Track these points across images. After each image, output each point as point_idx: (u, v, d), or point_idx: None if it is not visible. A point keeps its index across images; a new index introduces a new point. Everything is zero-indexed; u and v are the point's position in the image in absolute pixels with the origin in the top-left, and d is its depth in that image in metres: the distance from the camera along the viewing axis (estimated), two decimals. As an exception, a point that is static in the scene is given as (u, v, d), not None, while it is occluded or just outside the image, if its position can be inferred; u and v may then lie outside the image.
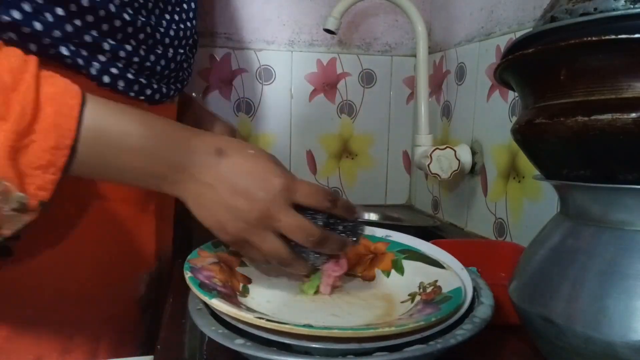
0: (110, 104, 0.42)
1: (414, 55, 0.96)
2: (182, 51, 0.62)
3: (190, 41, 0.65)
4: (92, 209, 0.54)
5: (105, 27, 0.51)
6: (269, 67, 1.02)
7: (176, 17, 0.62)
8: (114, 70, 0.53)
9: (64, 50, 0.48)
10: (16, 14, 0.43)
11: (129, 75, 0.54)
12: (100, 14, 0.49)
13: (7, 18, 0.42)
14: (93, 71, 0.51)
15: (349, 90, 1.07)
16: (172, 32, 0.60)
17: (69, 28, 0.47)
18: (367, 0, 1.01)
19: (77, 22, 0.48)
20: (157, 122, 0.44)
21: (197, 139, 0.44)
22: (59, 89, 0.39)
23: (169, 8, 0.61)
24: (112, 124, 0.41)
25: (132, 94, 0.56)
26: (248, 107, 1.02)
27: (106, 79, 0.52)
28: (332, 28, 0.89)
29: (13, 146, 0.37)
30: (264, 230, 0.43)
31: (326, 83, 1.06)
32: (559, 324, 0.35)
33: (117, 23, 0.51)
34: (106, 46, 0.51)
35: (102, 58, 0.52)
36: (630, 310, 0.32)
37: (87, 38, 0.50)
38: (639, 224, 0.34)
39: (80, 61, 0.49)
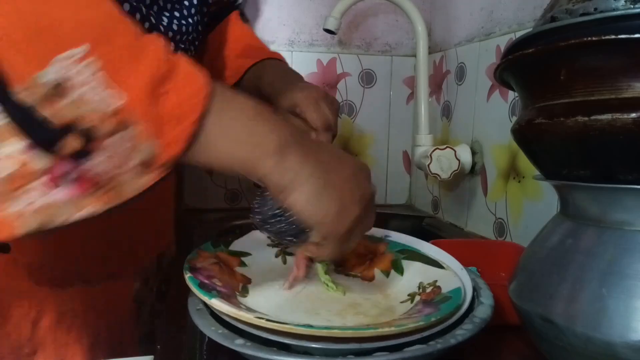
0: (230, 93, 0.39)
1: (414, 55, 0.96)
2: (182, 46, 0.62)
3: (191, 37, 0.65)
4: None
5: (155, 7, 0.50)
6: (269, 67, 1.02)
7: (176, 14, 0.62)
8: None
9: None
10: None
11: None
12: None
13: None
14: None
15: (349, 90, 1.07)
16: (175, 27, 0.59)
17: None
18: (367, 0, 1.01)
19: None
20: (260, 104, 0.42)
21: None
22: (188, 62, 0.37)
23: (169, 6, 0.61)
24: (233, 94, 0.39)
25: None
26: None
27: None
28: (332, 28, 0.89)
29: (154, 90, 0.34)
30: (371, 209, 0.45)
31: (326, 83, 1.06)
32: (559, 324, 0.35)
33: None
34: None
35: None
36: (630, 310, 0.32)
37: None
38: (639, 224, 0.34)
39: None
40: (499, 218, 0.78)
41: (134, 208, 0.50)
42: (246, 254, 0.53)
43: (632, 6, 0.32)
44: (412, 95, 1.10)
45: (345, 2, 0.88)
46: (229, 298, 0.42)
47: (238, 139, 0.38)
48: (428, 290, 0.46)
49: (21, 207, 0.33)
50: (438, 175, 0.83)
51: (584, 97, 0.34)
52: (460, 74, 0.91)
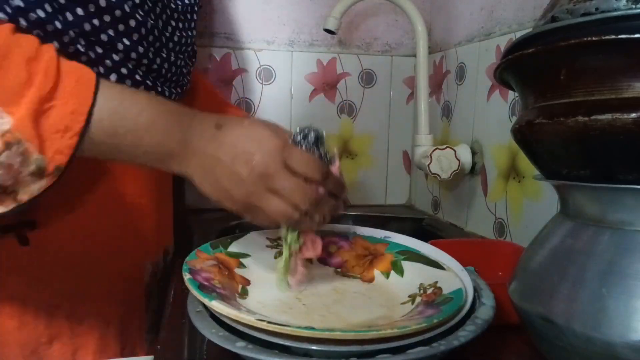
0: (122, 85, 0.46)
1: (414, 55, 0.96)
2: (182, 57, 0.65)
3: (190, 49, 0.68)
4: (101, 199, 0.57)
5: (121, 27, 0.52)
6: (269, 67, 1.02)
7: (180, 25, 0.64)
8: (123, 70, 0.54)
9: (81, 47, 0.50)
10: (41, 13, 0.45)
11: (137, 77, 0.56)
12: (116, 14, 0.51)
13: (33, 16, 0.45)
14: (102, 70, 0.52)
15: (349, 90, 1.07)
16: (175, 38, 0.63)
17: (87, 27, 0.49)
18: (367, 0, 1.01)
19: (95, 22, 0.50)
20: (164, 102, 0.47)
21: (199, 116, 0.47)
22: (77, 66, 0.43)
23: (175, 16, 0.63)
24: (125, 99, 0.44)
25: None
26: (248, 107, 1.02)
27: (113, 77, 0.53)
28: (332, 28, 0.89)
29: (36, 109, 0.40)
30: (265, 192, 0.45)
31: (326, 83, 1.06)
32: (559, 324, 0.35)
33: (132, 23, 0.53)
34: (120, 46, 0.53)
35: (115, 57, 0.53)
36: (630, 310, 0.32)
37: (103, 37, 0.51)
38: (639, 224, 0.34)
39: (93, 57, 0.51)
40: (499, 218, 0.78)
41: (137, 199, 0.58)
42: (245, 255, 0.53)
43: (633, 6, 0.32)
44: (412, 95, 1.10)
45: (345, 2, 0.88)
46: (228, 300, 0.42)
47: (132, 146, 0.44)
48: (429, 291, 0.46)
49: None
50: (438, 175, 0.83)
51: (584, 97, 0.34)
52: (460, 74, 0.91)
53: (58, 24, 0.46)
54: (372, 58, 1.07)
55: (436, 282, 0.47)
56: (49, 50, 0.42)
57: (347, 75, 1.07)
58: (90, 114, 0.41)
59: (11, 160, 0.39)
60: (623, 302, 0.32)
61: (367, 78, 1.08)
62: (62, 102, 0.41)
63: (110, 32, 0.52)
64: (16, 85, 0.40)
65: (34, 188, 0.41)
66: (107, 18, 0.51)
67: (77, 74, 0.43)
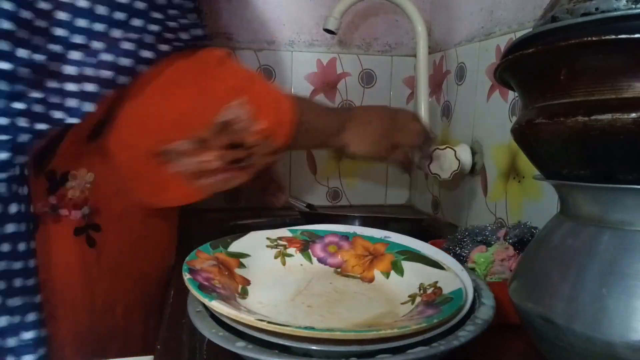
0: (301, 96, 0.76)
1: (414, 55, 0.96)
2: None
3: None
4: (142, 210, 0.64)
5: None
6: (269, 67, 1.02)
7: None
8: None
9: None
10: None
11: None
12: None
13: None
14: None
15: (349, 90, 1.07)
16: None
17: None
18: (367, 0, 1.01)
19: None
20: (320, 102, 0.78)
21: (338, 108, 0.87)
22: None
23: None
24: (308, 101, 0.77)
25: None
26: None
27: None
28: (332, 28, 0.89)
29: (275, 110, 0.58)
30: (399, 134, 0.71)
31: (326, 83, 1.06)
32: (559, 324, 0.35)
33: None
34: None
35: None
36: (630, 310, 0.32)
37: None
38: (639, 224, 0.34)
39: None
40: (499, 218, 0.78)
41: (161, 216, 0.67)
42: (245, 255, 0.53)
43: (633, 6, 0.32)
44: (412, 95, 1.10)
45: (345, 2, 0.88)
46: (228, 300, 0.42)
47: (316, 129, 0.66)
48: (429, 291, 0.46)
49: (202, 184, 0.56)
50: (438, 175, 0.83)
51: (584, 97, 0.34)
52: (460, 74, 0.91)
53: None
54: (372, 58, 1.07)
55: (436, 282, 0.47)
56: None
57: (347, 75, 1.07)
58: (294, 112, 0.59)
59: (261, 149, 0.57)
60: (623, 302, 0.32)
61: (367, 78, 1.08)
62: (283, 99, 0.59)
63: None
64: (260, 101, 0.57)
65: (265, 162, 0.58)
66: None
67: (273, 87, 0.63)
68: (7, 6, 0.45)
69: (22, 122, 0.48)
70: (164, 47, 0.54)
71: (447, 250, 0.57)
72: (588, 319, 0.34)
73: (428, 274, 0.49)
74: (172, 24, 0.55)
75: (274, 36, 1.02)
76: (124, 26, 0.51)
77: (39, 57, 0.48)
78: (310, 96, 1.05)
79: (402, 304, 0.47)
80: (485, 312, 0.41)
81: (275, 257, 0.55)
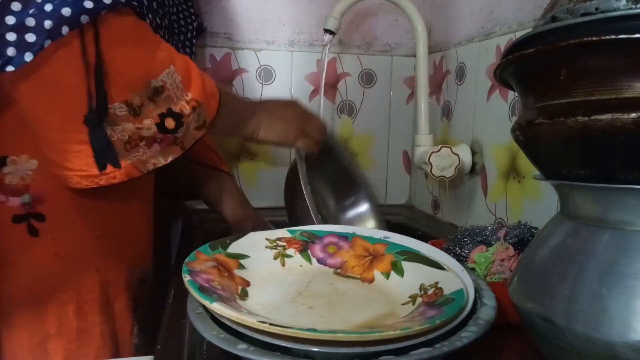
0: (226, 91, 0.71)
1: (414, 55, 0.96)
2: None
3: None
4: (102, 207, 0.62)
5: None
6: (269, 67, 1.02)
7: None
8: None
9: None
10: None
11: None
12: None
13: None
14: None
15: (349, 90, 1.07)
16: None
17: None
18: (367, 0, 1.01)
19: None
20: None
21: (254, 100, 0.88)
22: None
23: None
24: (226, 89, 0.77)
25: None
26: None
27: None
28: (332, 28, 0.89)
29: (203, 82, 0.58)
30: (307, 123, 0.74)
31: (326, 83, 1.06)
32: (559, 324, 0.35)
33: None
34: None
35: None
36: (630, 310, 0.32)
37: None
38: (639, 224, 0.34)
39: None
40: (499, 218, 0.78)
41: (132, 219, 0.67)
42: (244, 257, 0.53)
43: (633, 6, 0.31)
44: (412, 95, 1.10)
45: (345, 2, 0.88)
46: (229, 301, 0.42)
47: (233, 111, 0.66)
48: (430, 292, 0.46)
49: (135, 158, 0.54)
50: (444, 176, 0.83)
51: (584, 97, 0.34)
52: (460, 74, 0.91)
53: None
54: (372, 58, 1.07)
55: (437, 283, 0.47)
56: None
57: (347, 75, 1.07)
58: (218, 88, 0.61)
59: (192, 120, 0.57)
60: (623, 302, 0.32)
61: (367, 78, 1.08)
62: (207, 77, 0.60)
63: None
64: (185, 71, 0.56)
65: (195, 137, 0.58)
66: None
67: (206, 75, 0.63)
68: None
69: None
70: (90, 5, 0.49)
71: (447, 250, 0.57)
72: (588, 319, 0.34)
73: (428, 275, 0.49)
74: None
75: (274, 36, 1.02)
76: None
77: None
78: (310, 96, 1.06)
79: (403, 304, 0.47)
80: (487, 312, 0.41)
81: (275, 258, 0.54)
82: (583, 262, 0.35)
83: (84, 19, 0.48)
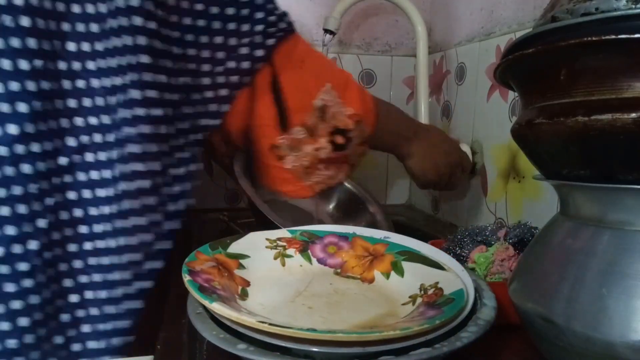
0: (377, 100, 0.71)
1: (414, 55, 0.96)
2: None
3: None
4: None
5: None
6: (269, 67, 1.02)
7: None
8: None
9: None
10: None
11: None
12: None
13: None
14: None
15: (349, 90, 1.07)
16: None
17: None
18: (367, 0, 1.00)
19: None
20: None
21: (416, 120, 0.80)
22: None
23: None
24: (388, 104, 0.71)
25: None
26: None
27: None
28: (332, 28, 0.89)
29: (360, 96, 0.62)
30: (456, 171, 0.75)
31: (326, 83, 1.05)
32: (559, 324, 0.35)
33: None
34: None
35: None
36: (630, 310, 0.32)
37: None
38: (639, 224, 0.34)
39: None
40: (499, 218, 0.78)
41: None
42: (245, 257, 0.53)
43: (633, 6, 0.31)
44: (412, 95, 1.10)
45: (345, 2, 0.88)
46: (229, 301, 0.42)
47: (390, 128, 0.68)
48: (430, 292, 0.46)
49: (313, 181, 0.62)
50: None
51: (584, 97, 0.34)
52: (460, 74, 0.91)
53: None
54: (372, 58, 1.07)
55: (437, 283, 0.47)
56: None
57: (347, 75, 1.07)
58: (374, 101, 0.64)
59: (356, 135, 0.60)
60: (623, 302, 0.32)
61: (367, 78, 1.08)
62: (363, 89, 0.64)
63: None
64: (341, 87, 0.61)
65: (358, 154, 0.62)
66: None
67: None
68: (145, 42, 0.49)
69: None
70: (270, 42, 0.59)
71: (447, 250, 0.57)
72: (588, 319, 0.34)
73: (428, 275, 0.49)
74: (271, 18, 0.60)
75: (274, 36, 1.02)
76: (236, 33, 0.58)
77: (184, 80, 0.54)
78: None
79: (403, 304, 0.47)
80: (487, 312, 0.41)
81: (275, 258, 0.54)
82: (583, 262, 0.35)
83: (257, 66, 0.59)
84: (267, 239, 0.55)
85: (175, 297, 0.55)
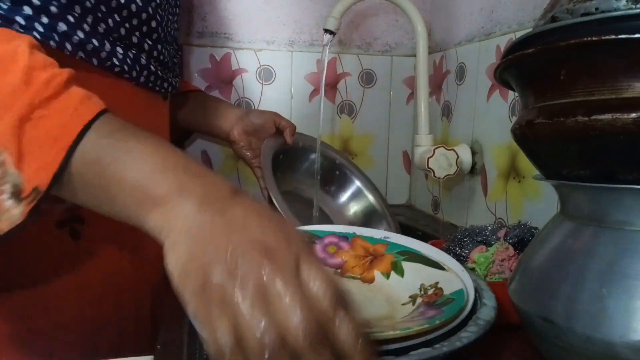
0: (130, 124, 0.38)
1: (414, 55, 0.96)
2: (170, 48, 0.68)
3: (175, 42, 0.72)
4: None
5: (144, 28, 0.58)
6: (269, 67, 1.02)
7: (170, 17, 0.67)
8: (152, 68, 0.59)
9: (119, 55, 0.54)
10: (80, 34, 0.49)
11: (159, 72, 0.61)
12: (142, 17, 0.56)
13: (76, 38, 0.48)
14: (134, 73, 0.56)
15: (349, 90, 1.07)
16: (172, 32, 0.67)
17: (122, 31, 0.54)
18: (367, 0, 1.01)
19: (127, 25, 0.55)
20: (171, 146, 0.37)
21: (212, 173, 0.36)
22: (87, 93, 0.38)
23: (169, 10, 0.66)
24: (128, 128, 0.37)
25: (157, 89, 0.62)
26: (248, 107, 1.02)
27: (142, 78, 0.59)
28: (332, 28, 0.89)
29: (24, 116, 0.34)
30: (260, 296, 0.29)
31: (326, 83, 1.06)
32: (559, 324, 0.35)
33: (154, 24, 0.59)
34: (146, 46, 0.58)
35: (143, 59, 0.58)
36: (630, 310, 0.32)
37: (134, 39, 0.56)
38: (639, 224, 0.34)
39: (129, 62, 0.55)
40: (499, 218, 0.78)
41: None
42: None
43: (633, 6, 0.31)
44: (412, 95, 1.10)
45: (345, 2, 0.88)
46: None
47: (117, 175, 0.34)
48: (430, 292, 0.46)
49: None
50: (446, 175, 0.83)
51: (584, 97, 0.34)
52: (460, 74, 0.91)
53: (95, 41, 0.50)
54: (372, 58, 1.07)
55: (437, 283, 0.46)
56: (63, 71, 0.37)
57: (347, 75, 1.07)
58: (85, 129, 0.34)
59: None
60: (623, 302, 0.32)
61: (367, 78, 1.08)
62: (57, 113, 0.35)
63: (137, 34, 0.57)
64: (10, 89, 0.35)
65: (15, 214, 0.34)
66: (135, 22, 0.56)
67: (85, 95, 0.36)
68: None
69: None
70: None
71: (447, 250, 0.57)
72: (588, 319, 0.34)
73: (428, 275, 0.49)
74: None
75: (274, 36, 1.02)
76: None
77: None
78: (310, 96, 1.06)
79: (403, 304, 0.47)
80: (487, 312, 0.41)
81: None
82: (583, 262, 0.35)
83: None
84: None
85: (175, 298, 0.55)
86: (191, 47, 0.98)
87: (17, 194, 0.34)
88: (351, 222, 0.91)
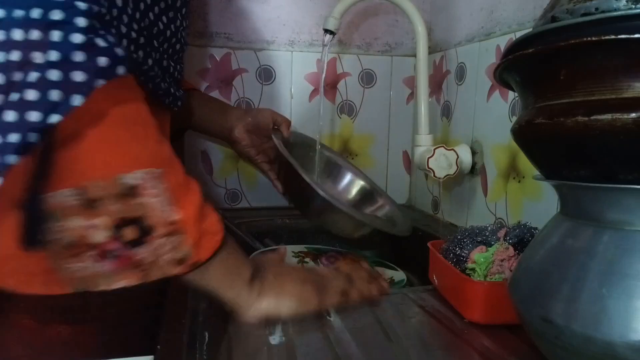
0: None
1: (414, 55, 0.96)
2: (180, 62, 0.69)
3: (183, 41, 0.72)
4: None
5: (170, 50, 0.60)
6: (269, 67, 1.02)
7: (178, 23, 0.64)
8: (164, 85, 0.59)
9: (158, 80, 0.56)
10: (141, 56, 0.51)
11: (172, 89, 0.61)
12: (172, 41, 0.59)
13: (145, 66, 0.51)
14: (160, 92, 0.58)
15: (349, 90, 1.07)
16: (182, 40, 0.66)
17: (156, 55, 0.55)
18: (367, 0, 1.01)
19: (161, 50, 0.57)
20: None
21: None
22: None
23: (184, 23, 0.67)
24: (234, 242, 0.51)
25: (171, 105, 0.63)
26: (248, 107, 1.02)
27: (167, 101, 0.61)
28: (332, 28, 0.89)
29: (199, 212, 0.46)
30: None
31: (326, 83, 1.06)
32: (559, 324, 0.35)
33: (178, 46, 0.61)
34: (171, 69, 0.61)
35: (166, 82, 0.59)
36: (630, 310, 0.32)
37: (164, 63, 0.58)
38: (639, 224, 0.34)
39: (163, 85, 0.57)
40: (499, 218, 0.78)
41: None
42: None
43: (633, 6, 0.31)
44: (412, 95, 1.10)
45: (345, 2, 0.88)
46: None
47: (228, 265, 0.50)
48: None
49: (73, 271, 0.42)
50: (446, 175, 0.83)
51: (584, 97, 0.34)
52: (460, 74, 0.91)
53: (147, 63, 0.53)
54: (372, 58, 1.07)
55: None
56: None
57: (347, 75, 1.07)
58: (222, 225, 0.49)
59: (164, 246, 0.43)
60: (623, 302, 0.32)
61: (367, 78, 1.08)
62: (212, 211, 0.48)
63: (165, 57, 0.59)
64: (185, 189, 0.46)
65: (166, 272, 0.45)
66: (165, 46, 0.57)
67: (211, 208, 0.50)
68: None
69: None
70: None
71: (447, 251, 0.57)
72: (588, 319, 0.34)
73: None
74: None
75: (274, 36, 1.02)
76: None
77: None
78: (309, 96, 1.06)
79: None
80: None
81: (298, 263, 0.79)
82: (583, 262, 0.35)
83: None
84: (292, 252, 0.82)
85: (176, 297, 0.55)
86: (191, 47, 0.98)
87: (180, 263, 0.45)
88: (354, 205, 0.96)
